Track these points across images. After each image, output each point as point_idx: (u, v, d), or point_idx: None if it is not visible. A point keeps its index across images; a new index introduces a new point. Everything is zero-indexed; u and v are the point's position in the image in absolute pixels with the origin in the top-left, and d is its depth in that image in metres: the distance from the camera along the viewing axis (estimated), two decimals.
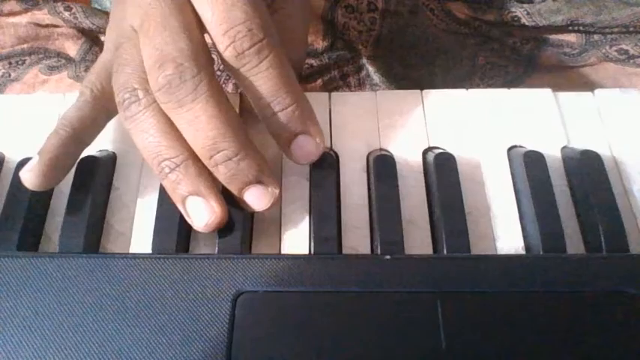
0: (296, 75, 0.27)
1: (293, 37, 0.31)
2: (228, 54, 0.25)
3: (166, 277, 0.25)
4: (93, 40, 0.46)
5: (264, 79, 0.25)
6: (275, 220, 0.29)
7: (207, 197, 0.26)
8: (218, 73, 0.44)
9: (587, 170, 0.28)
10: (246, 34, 0.24)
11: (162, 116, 0.25)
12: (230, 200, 0.27)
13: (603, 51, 0.42)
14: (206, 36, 0.26)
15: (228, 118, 0.25)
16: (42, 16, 0.45)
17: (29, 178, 0.27)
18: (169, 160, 0.25)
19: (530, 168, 0.28)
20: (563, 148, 0.31)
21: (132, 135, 0.26)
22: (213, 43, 0.25)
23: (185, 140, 0.25)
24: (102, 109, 0.29)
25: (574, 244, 0.28)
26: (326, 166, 0.29)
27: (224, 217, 0.26)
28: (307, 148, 0.27)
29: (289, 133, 0.27)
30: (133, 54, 0.26)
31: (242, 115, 0.31)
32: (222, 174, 0.26)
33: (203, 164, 0.26)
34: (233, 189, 0.26)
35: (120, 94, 0.26)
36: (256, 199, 0.26)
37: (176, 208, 0.27)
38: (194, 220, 0.26)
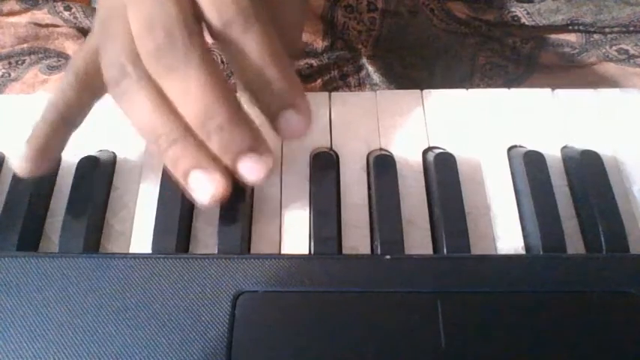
0: (297, 57, 0.26)
1: (287, 22, 0.30)
2: (214, 23, 0.24)
3: (166, 277, 0.25)
4: None
5: (249, 51, 0.25)
6: (275, 220, 0.29)
7: (210, 169, 0.25)
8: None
9: (587, 170, 0.28)
10: (232, 2, 0.24)
11: (153, 90, 0.25)
12: (229, 199, 0.27)
13: (603, 51, 0.42)
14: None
15: (220, 85, 0.24)
16: (42, 15, 0.45)
17: (18, 164, 0.26)
18: (165, 135, 0.25)
19: (530, 168, 0.28)
20: (563, 148, 0.31)
21: (124, 112, 0.25)
22: (200, 15, 0.25)
23: (179, 114, 0.25)
24: (86, 88, 0.28)
25: (574, 244, 0.28)
26: (326, 166, 0.29)
27: (228, 188, 0.25)
28: (294, 123, 0.26)
29: (276, 107, 0.26)
30: (119, 28, 0.25)
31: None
32: (215, 143, 0.25)
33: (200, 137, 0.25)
34: (227, 160, 0.25)
35: (108, 71, 0.25)
36: (251, 169, 0.26)
37: (176, 207, 0.27)
38: (198, 194, 0.25)
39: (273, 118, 0.27)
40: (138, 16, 0.24)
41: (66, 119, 0.28)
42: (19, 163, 0.27)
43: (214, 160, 0.25)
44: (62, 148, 0.28)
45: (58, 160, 0.30)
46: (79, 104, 0.28)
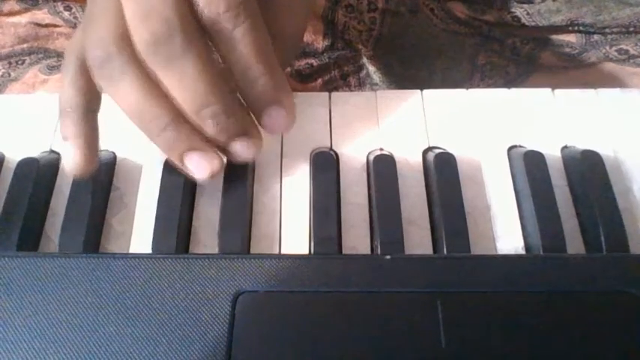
0: (291, 62, 0.26)
1: (285, 22, 0.30)
2: (204, 16, 0.24)
3: (166, 277, 0.25)
4: None
5: (238, 46, 0.25)
6: (275, 220, 0.29)
7: (205, 149, 0.26)
8: None
9: (587, 170, 0.28)
10: None
11: (142, 74, 0.24)
12: (229, 199, 0.27)
13: (603, 51, 0.42)
14: None
15: (216, 73, 0.24)
16: (42, 15, 0.45)
17: (75, 166, 0.27)
18: (157, 120, 0.25)
19: (530, 168, 0.28)
20: (563, 148, 0.31)
21: (110, 96, 0.25)
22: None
23: (169, 97, 0.25)
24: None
25: (574, 244, 0.28)
26: (326, 166, 0.29)
27: (223, 163, 0.27)
28: (278, 119, 0.27)
29: (261, 103, 0.27)
30: (105, 7, 0.25)
31: None
32: (210, 128, 0.25)
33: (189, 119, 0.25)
34: (220, 141, 0.26)
35: (92, 52, 0.24)
36: (243, 149, 0.27)
37: (176, 207, 0.27)
38: (196, 173, 0.26)
39: (257, 113, 0.27)
40: (133, 3, 0.24)
41: (89, 107, 0.27)
42: (75, 165, 0.27)
43: (207, 139, 0.26)
44: (98, 138, 0.28)
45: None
46: (94, 88, 0.27)
